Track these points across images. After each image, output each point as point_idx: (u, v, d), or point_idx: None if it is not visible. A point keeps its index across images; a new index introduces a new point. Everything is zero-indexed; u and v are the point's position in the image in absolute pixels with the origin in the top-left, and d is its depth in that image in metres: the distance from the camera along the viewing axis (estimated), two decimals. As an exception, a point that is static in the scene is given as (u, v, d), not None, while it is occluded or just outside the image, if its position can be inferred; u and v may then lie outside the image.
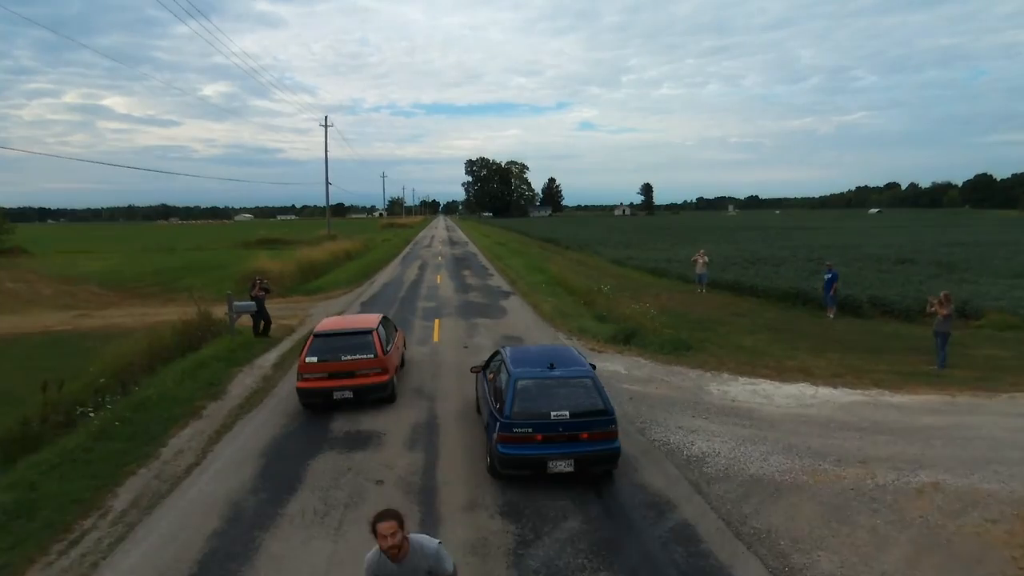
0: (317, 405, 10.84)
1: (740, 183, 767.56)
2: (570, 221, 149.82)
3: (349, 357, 10.78)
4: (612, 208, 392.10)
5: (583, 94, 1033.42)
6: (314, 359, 10.75)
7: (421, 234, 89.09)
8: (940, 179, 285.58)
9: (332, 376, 10.68)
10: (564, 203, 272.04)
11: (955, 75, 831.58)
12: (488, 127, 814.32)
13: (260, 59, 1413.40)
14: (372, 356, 10.83)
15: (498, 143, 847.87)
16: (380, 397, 11.00)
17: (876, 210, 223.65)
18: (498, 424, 7.67)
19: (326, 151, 57.69)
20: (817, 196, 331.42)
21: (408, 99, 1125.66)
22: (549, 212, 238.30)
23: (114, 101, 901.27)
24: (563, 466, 7.52)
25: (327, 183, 58.00)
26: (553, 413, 7.57)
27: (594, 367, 8.78)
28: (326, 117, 57.44)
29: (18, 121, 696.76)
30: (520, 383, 7.82)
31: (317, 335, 11.29)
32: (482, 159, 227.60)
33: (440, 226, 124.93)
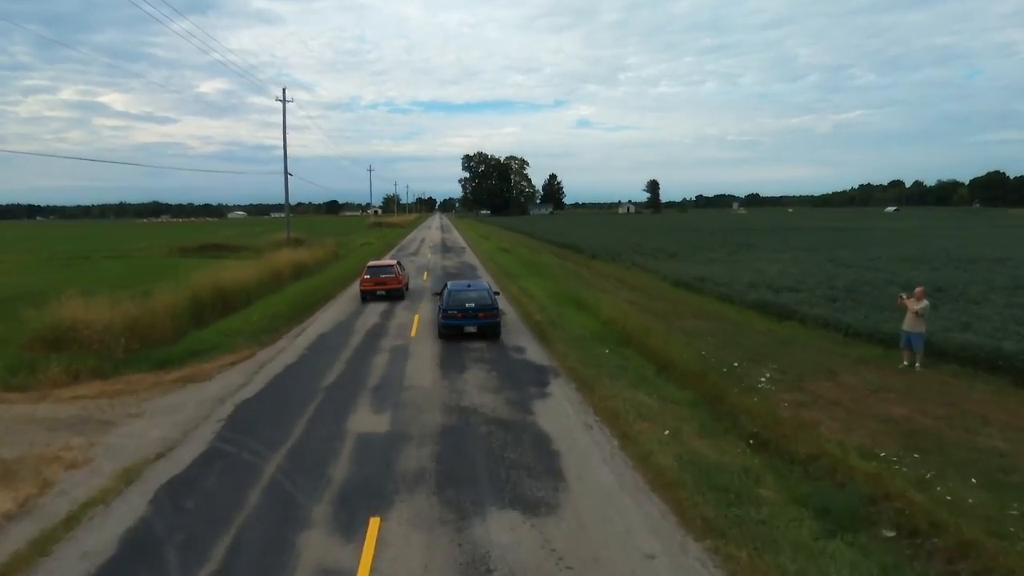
0: (367, 298, 23.20)
1: (738, 181, 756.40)
2: (575, 220, 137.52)
3: (383, 276, 23.36)
4: (611, 206, 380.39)
5: (581, 92, 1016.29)
6: (368, 276, 23.34)
7: (411, 236, 76.64)
8: (936, 177, 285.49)
9: (375, 284, 23.11)
10: (564, 201, 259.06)
11: (952, 73, 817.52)
12: (486, 125, 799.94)
13: (258, 56, 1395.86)
14: (393, 275, 23.44)
15: (495, 141, 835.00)
16: (397, 295, 23.32)
17: (893, 208, 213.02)
18: (441, 310, 16.26)
19: (284, 132, 45.26)
20: (819, 194, 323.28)
21: (406, 96, 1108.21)
22: (550, 210, 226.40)
23: (111, 98, 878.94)
24: (471, 329, 15.81)
25: (286, 174, 45.56)
26: (467, 304, 15.91)
27: (498, 293, 18.98)
28: (284, 90, 45.01)
29: (14, 118, 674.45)
30: (452, 293, 16.42)
31: (369, 267, 24.34)
32: (480, 154, 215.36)
33: (434, 225, 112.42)
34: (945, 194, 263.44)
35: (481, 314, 15.80)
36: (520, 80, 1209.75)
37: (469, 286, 17.51)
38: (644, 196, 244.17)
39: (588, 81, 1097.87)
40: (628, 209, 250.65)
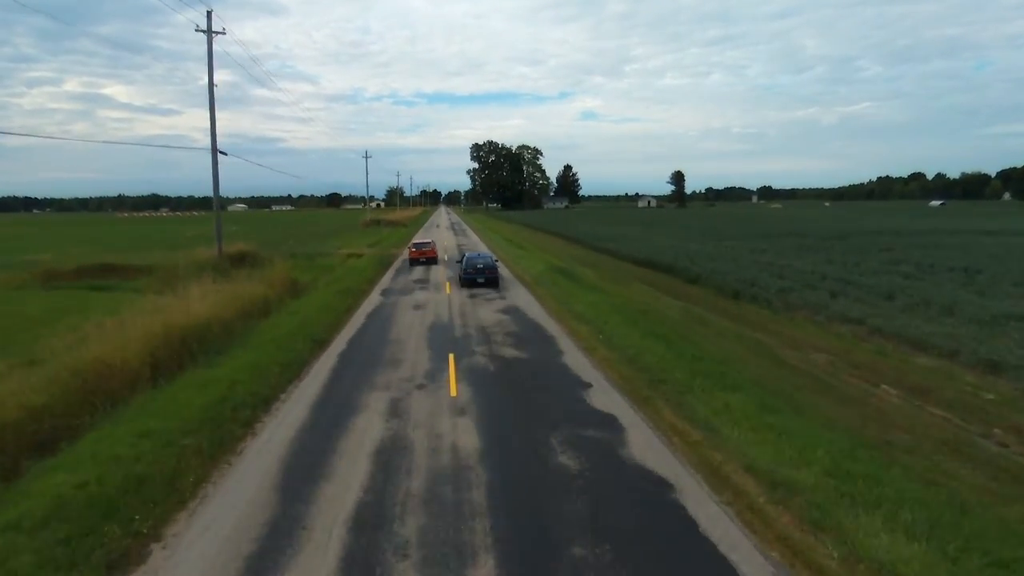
0: (414, 263, 34.93)
1: (746, 173, 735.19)
2: (602, 216, 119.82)
3: (424, 249, 35.74)
4: (618, 199, 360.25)
5: (586, 84, 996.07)
6: (414, 249, 35.90)
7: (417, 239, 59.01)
8: (944, 169, 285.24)
9: (420, 254, 35.41)
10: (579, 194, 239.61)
11: (961, 65, 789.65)
12: (490, 117, 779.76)
13: (262, 48, 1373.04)
14: (430, 249, 36.09)
15: (500, 133, 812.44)
16: (433, 262, 35.55)
17: (939, 202, 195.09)
18: (462, 269, 25.96)
19: (210, 76, 27.63)
20: (834, 187, 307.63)
21: (410, 88, 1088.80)
22: (565, 203, 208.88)
23: (115, 90, 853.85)
24: (481, 280, 24.90)
25: (214, 151, 28.02)
26: (478, 266, 25.26)
27: (498, 261, 29.26)
28: (209, 14, 27.47)
29: (18, 110, 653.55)
30: (469, 259, 26.32)
31: (414, 243, 38.35)
32: (490, 143, 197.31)
33: (443, 224, 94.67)
34: (972, 187, 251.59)
35: (487, 272, 25.20)
36: (525, 72, 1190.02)
37: (479, 255, 27.85)
38: (655, 189, 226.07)
39: (593, 73, 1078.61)
40: (649, 203, 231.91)
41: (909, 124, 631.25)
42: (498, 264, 27.97)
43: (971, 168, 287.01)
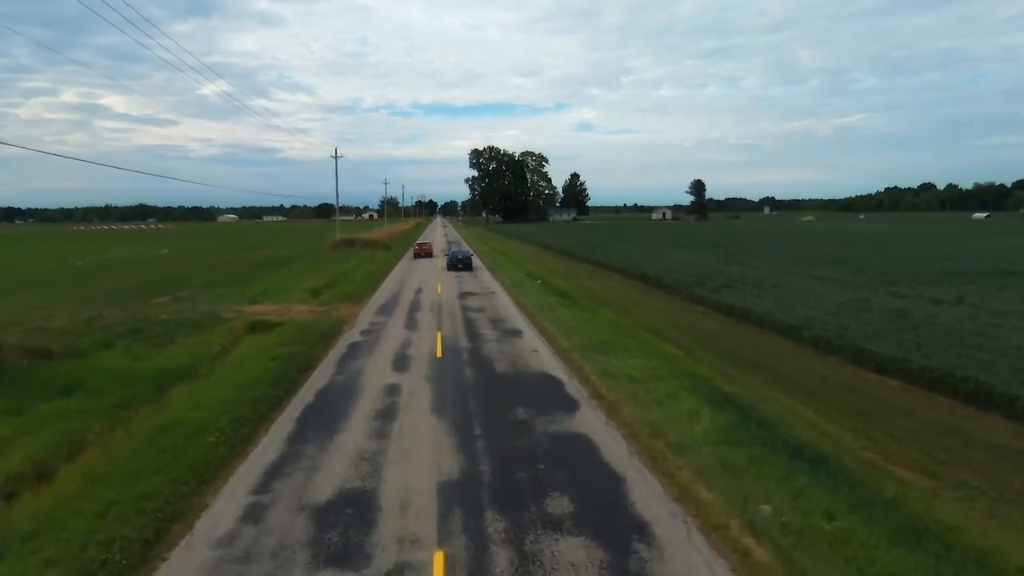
0: (416, 256, 52.64)
1: (743, 184, 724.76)
2: (623, 232, 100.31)
3: (424, 247, 53.74)
4: (618, 209, 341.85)
5: (583, 95, 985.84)
6: (418, 247, 54.09)
7: (391, 285, 39.31)
8: (944, 180, 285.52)
9: (421, 250, 52.96)
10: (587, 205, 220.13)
11: (955, 78, 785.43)
12: (487, 127, 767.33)
13: (260, 58, 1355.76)
14: (428, 247, 54.55)
15: (497, 144, 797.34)
16: (429, 255, 52.56)
17: (984, 214, 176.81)
18: (447, 259, 43.80)
19: None
20: (843, 198, 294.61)
21: (407, 99, 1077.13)
22: (573, 215, 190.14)
23: (112, 100, 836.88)
24: (461, 267, 41.09)
25: None
26: (458, 256, 42.47)
27: (472, 255, 46.40)
28: None
29: (15, 120, 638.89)
30: (453, 254, 43.48)
31: (417, 243, 57.36)
32: (491, 149, 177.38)
33: (437, 241, 74.52)
34: (987, 197, 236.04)
35: (464, 260, 41.07)
36: (522, 83, 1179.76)
37: (460, 251, 44.51)
38: (655, 199, 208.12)
39: (590, 84, 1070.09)
40: (664, 215, 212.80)
41: (905, 135, 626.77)
42: (472, 256, 44.81)
43: (974, 179, 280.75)
